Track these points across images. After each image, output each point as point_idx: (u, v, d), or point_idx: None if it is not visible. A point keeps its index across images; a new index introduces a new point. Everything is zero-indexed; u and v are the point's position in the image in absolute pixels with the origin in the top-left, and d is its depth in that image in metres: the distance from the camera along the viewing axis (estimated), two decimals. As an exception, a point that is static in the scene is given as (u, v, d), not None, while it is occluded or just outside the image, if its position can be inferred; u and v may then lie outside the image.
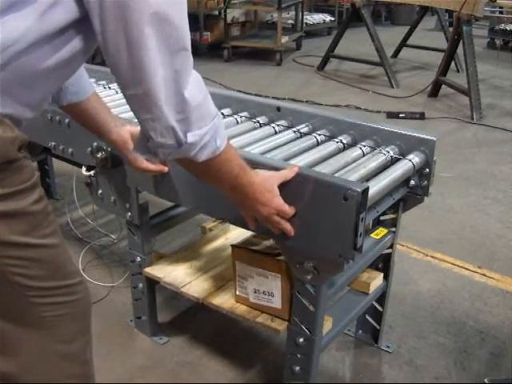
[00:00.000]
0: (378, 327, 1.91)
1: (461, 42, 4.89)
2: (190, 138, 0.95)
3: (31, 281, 1.02)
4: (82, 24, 0.91)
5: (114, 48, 0.88)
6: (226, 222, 1.93)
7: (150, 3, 0.83)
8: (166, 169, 1.42)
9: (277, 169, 1.30)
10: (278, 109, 1.82)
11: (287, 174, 1.27)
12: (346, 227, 1.24)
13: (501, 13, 6.35)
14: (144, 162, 1.37)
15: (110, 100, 2.04)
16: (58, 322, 1.10)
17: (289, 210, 1.26)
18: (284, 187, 1.26)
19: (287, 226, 1.29)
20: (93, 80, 2.39)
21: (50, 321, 1.08)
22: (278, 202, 1.24)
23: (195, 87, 0.94)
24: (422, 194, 1.60)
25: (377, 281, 1.76)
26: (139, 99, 0.93)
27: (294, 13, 7.98)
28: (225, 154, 1.05)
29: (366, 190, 1.23)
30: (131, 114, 1.89)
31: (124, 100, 0.98)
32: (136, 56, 0.87)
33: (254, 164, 1.35)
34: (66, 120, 1.78)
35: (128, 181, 1.66)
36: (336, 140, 1.65)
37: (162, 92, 0.90)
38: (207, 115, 0.97)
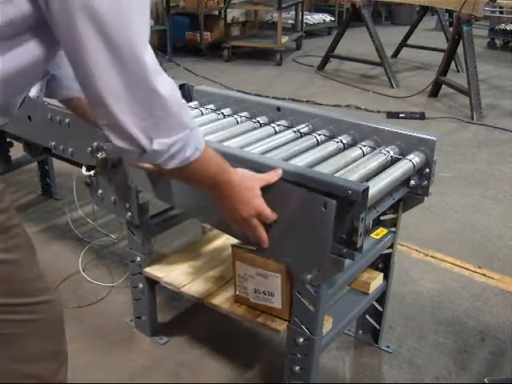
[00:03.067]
0: (378, 327, 1.91)
1: (461, 41, 4.89)
2: (156, 145, 0.89)
3: None
4: (37, 29, 0.86)
5: (65, 50, 0.85)
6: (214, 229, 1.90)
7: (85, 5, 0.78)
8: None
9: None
10: (278, 109, 1.82)
11: (270, 177, 1.22)
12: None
13: (501, 13, 6.35)
14: None
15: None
16: (21, 341, 1.05)
17: (270, 213, 1.19)
18: (268, 191, 1.21)
19: (263, 235, 1.21)
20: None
21: (12, 338, 1.04)
22: (259, 203, 1.18)
23: (171, 97, 0.88)
24: (422, 194, 1.60)
25: (377, 281, 1.76)
26: (92, 103, 0.88)
27: (294, 13, 7.99)
28: (200, 160, 1.00)
29: (366, 190, 1.23)
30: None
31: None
32: (80, 60, 0.83)
33: (254, 164, 1.36)
34: (66, 120, 1.78)
35: (129, 181, 1.66)
36: (336, 140, 1.64)
37: (115, 98, 0.84)
38: (179, 125, 0.91)
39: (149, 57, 0.84)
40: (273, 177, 1.22)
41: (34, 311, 1.06)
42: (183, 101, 0.94)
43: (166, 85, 0.88)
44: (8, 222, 0.97)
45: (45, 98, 1.32)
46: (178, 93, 0.92)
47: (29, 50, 0.88)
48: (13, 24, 0.83)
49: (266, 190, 1.21)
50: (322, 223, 1.22)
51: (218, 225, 1.46)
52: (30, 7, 0.83)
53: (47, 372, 1.12)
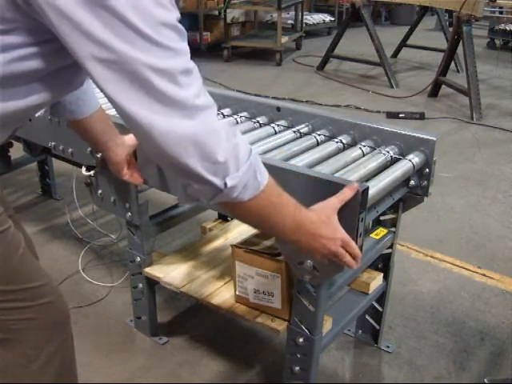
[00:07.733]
0: (377, 327, 1.91)
1: (461, 42, 4.89)
2: (230, 181, 0.91)
3: None
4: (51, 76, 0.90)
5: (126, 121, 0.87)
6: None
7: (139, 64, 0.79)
8: (140, 181, 1.52)
9: (335, 185, 1.22)
10: (278, 109, 1.82)
11: (344, 196, 1.18)
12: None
13: (501, 13, 6.34)
14: (126, 175, 1.49)
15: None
16: (23, 326, 1.06)
17: (355, 245, 1.16)
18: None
19: (350, 259, 1.17)
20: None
21: (13, 324, 1.05)
22: (342, 232, 1.15)
23: (225, 138, 0.89)
24: (422, 194, 1.60)
25: (377, 281, 1.76)
26: (167, 166, 0.91)
27: (293, 13, 7.98)
28: (271, 189, 0.99)
29: (366, 190, 1.23)
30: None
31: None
32: (145, 134, 0.85)
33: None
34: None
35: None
36: (336, 140, 1.65)
37: (187, 156, 0.86)
38: (242, 155, 0.92)
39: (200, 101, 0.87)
40: (348, 194, 1.19)
41: (32, 298, 1.07)
42: (232, 128, 0.94)
43: (219, 136, 0.89)
44: None
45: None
46: (226, 128, 0.92)
47: (40, 96, 0.92)
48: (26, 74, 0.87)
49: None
50: (342, 214, 1.19)
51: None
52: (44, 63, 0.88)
53: (52, 356, 1.13)
